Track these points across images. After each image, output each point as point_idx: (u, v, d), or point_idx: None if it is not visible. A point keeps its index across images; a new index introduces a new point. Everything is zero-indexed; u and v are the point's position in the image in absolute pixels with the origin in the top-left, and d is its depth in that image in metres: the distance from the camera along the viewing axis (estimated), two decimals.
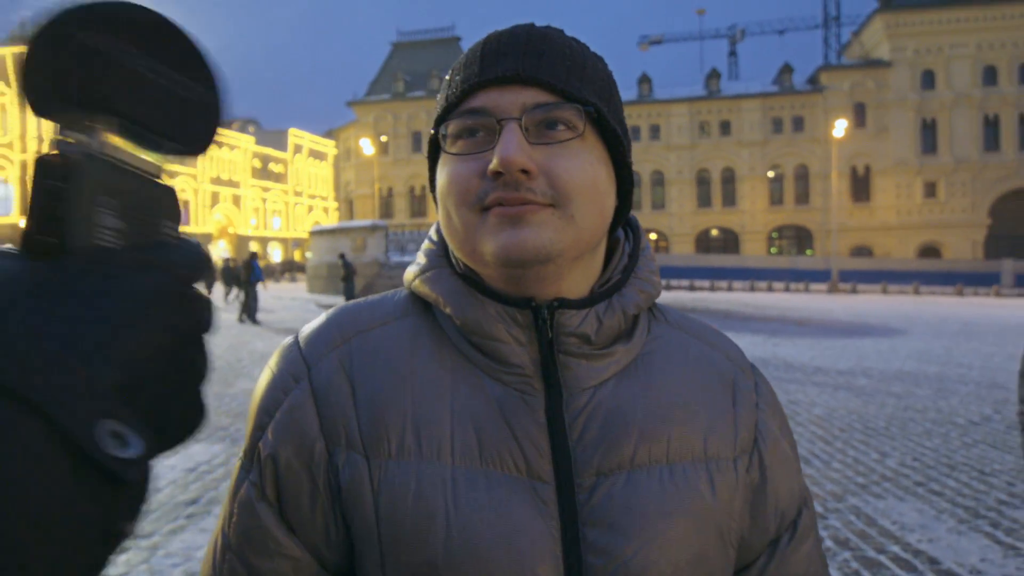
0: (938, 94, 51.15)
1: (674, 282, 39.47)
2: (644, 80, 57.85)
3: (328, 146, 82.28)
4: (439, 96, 0.71)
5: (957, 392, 8.77)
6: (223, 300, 21.53)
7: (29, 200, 0.33)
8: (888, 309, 24.54)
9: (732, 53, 69.51)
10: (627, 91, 58.11)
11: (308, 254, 30.49)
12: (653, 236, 57.22)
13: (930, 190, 51.54)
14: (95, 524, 0.29)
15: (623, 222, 0.76)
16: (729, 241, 55.82)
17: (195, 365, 0.36)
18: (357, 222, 30.66)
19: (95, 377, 0.30)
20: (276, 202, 76.59)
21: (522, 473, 0.65)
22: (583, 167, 0.64)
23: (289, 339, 0.73)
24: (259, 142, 75.10)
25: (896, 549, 3.87)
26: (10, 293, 0.30)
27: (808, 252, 53.54)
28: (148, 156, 0.37)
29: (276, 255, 72.89)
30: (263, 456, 0.66)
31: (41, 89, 0.35)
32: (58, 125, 0.35)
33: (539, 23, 0.69)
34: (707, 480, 0.69)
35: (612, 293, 0.70)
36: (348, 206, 64.12)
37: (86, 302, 0.31)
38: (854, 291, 36.25)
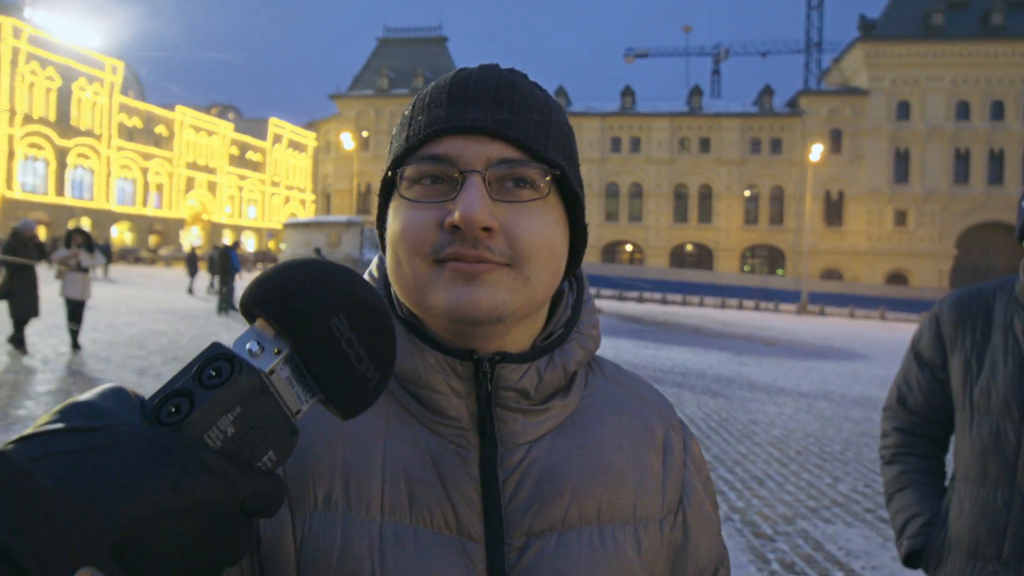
0: (912, 125, 52.22)
1: (647, 295, 39.74)
2: (628, 92, 58.29)
3: (308, 138, 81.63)
4: (396, 132, 0.69)
5: None
6: (207, 289, 20.73)
7: (184, 378, 0.38)
8: (854, 333, 24.94)
9: (715, 71, 70.32)
10: (610, 102, 58.51)
11: (282, 246, 30.20)
12: (629, 248, 57.66)
13: (900, 218, 52.57)
14: None
15: (570, 276, 0.75)
16: (703, 257, 56.39)
17: (222, 551, 0.37)
18: (333, 217, 30.47)
19: (90, 530, 0.31)
20: (252, 191, 75.78)
21: (452, 531, 0.63)
22: (542, 229, 0.63)
23: None
24: (238, 129, 74.25)
25: (840, 575, 3.94)
26: (97, 443, 0.33)
27: (779, 272, 54.31)
28: (297, 399, 0.41)
29: (250, 245, 72.08)
30: None
31: (270, 299, 0.40)
32: (258, 327, 0.40)
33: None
34: (634, 542, 0.68)
35: (554, 347, 0.69)
36: (325, 199, 63.68)
37: (129, 465, 0.33)
38: (822, 313, 36.77)
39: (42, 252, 9.92)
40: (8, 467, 0.31)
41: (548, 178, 0.64)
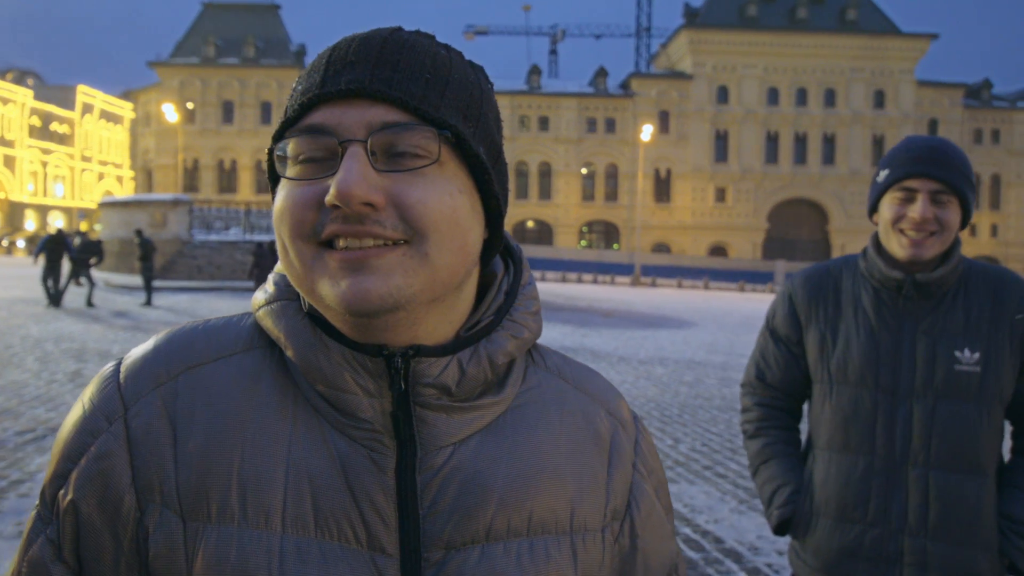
0: (731, 108, 56.34)
1: None
2: None
3: (125, 108, 74.79)
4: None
5: (739, 381, 9.70)
6: (48, 282, 15.39)
7: None
8: (682, 302, 26.72)
9: (553, 51, 71.94)
10: None
11: (97, 227, 27.62)
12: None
13: (720, 195, 56.75)
14: None
15: (495, 254, 0.67)
16: (544, 233, 57.96)
17: None
18: (157, 195, 28.27)
19: None
20: (59, 167, 68.57)
21: (362, 545, 0.58)
22: (440, 197, 0.56)
23: (109, 366, 0.64)
24: (39, 97, 66.66)
25: (687, 531, 4.21)
26: None
27: (615, 247, 56.98)
28: None
29: (59, 225, 65.22)
30: (62, 508, 0.59)
31: None
32: None
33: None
34: (570, 555, 0.62)
35: (480, 338, 0.62)
36: (147, 176, 58.75)
37: None
38: (654, 284, 39.07)
39: None
40: None
41: (439, 141, 0.56)
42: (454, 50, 0.63)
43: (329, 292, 0.55)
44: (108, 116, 74.95)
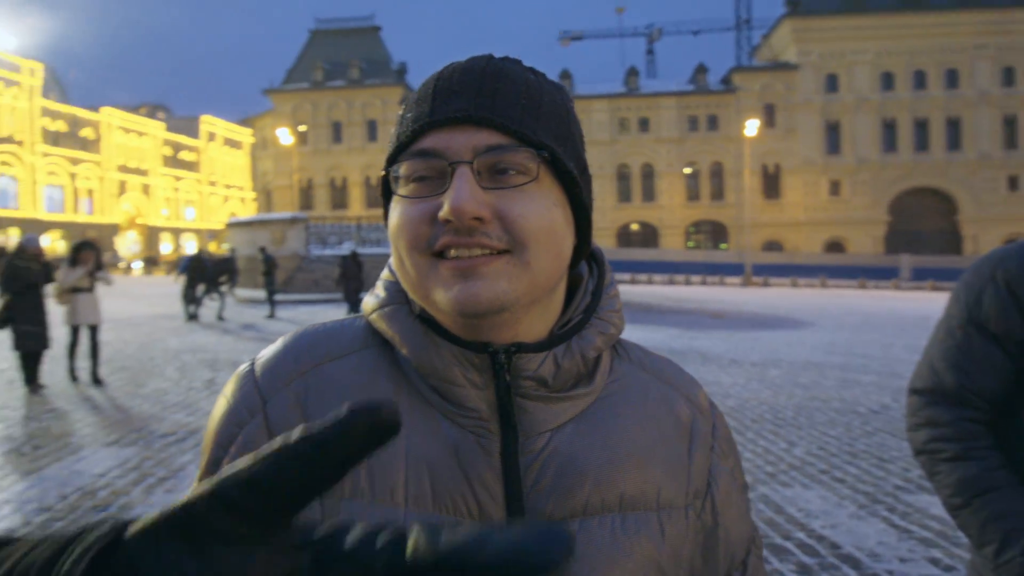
0: (841, 97, 53.78)
1: None
2: (565, 76, 58.48)
3: (244, 134, 79.66)
4: (392, 132, 0.69)
5: (859, 382, 9.28)
6: (190, 300, 16.89)
7: None
8: (797, 302, 25.68)
9: (650, 51, 71.04)
10: None
11: (225, 246, 29.49)
12: None
13: (835, 188, 54.18)
14: None
15: (582, 259, 0.74)
16: (649, 235, 57.19)
17: None
18: (276, 214, 29.88)
19: None
20: (189, 192, 73.73)
21: (474, 519, 0.65)
22: (539, 211, 0.63)
23: (245, 367, 0.71)
24: (170, 129, 72.07)
25: (801, 535, 4.10)
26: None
27: (723, 246, 55.47)
28: None
29: (191, 247, 70.13)
30: None
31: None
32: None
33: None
34: (658, 529, 0.69)
35: (572, 335, 0.69)
36: (266, 197, 62.29)
37: None
38: (766, 284, 37.75)
39: (49, 272, 8.46)
40: None
41: (537, 161, 0.63)
42: (540, 73, 0.69)
43: (443, 297, 0.62)
44: (230, 142, 79.97)
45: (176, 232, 71.00)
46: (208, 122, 76.63)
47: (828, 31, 53.51)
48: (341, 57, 59.56)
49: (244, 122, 75.31)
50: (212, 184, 77.23)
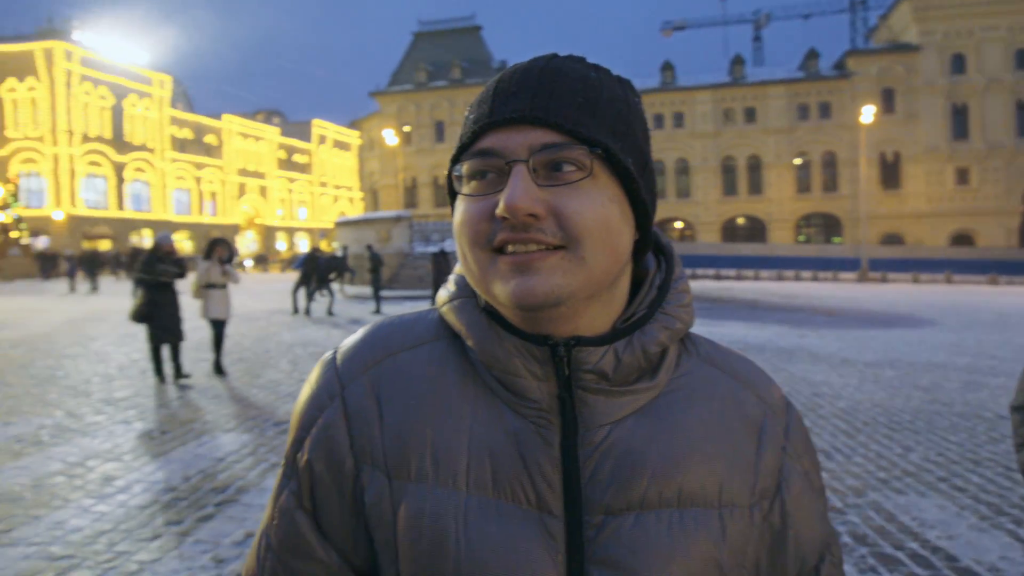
0: (969, 78, 50.08)
1: (700, 271, 39.22)
2: (667, 67, 57.28)
3: (352, 136, 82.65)
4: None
5: (987, 385, 8.65)
6: (303, 296, 18.00)
7: None
8: (919, 299, 24.19)
9: (756, 38, 68.55)
10: (650, 79, 57.56)
11: (334, 244, 30.72)
12: (679, 225, 56.91)
13: (962, 176, 50.57)
14: None
15: (646, 253, 0.74)
16: (756, 229, 55.28)
17: None
18: (382, 213, 30.82)
19: None
20: (302, 192, 77.21)
21: (532, 506, 0.66)
22: (593, 207, 0.64)
23: (328, 355, 0.77)
24: (284, 133, 75.68)
25: (915, 546, 3.87)
26: None
27: (836, 240, 52.89)
28: None
29: (303, 245, 73.50)
30: (300, 467, 0.72)
31: None
32: None
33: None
34: (719, 527, 0.68)
35: (634, 329, 0.69)
36: (373, 196, 64.43)
37: None
38: (884, 280, 35.74)
39: (182, 268, 8.74)
40: None
41: (590, 158, 0.65)
42: (603, 70, 0.70)
43: (502, 290, 0.65)
44: (339, 144, 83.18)
45: (290, 231, 74.53)
46: (319, 126, 79.98)
47: (953, 8, 49.91)
48: (443, 58, 60.72)
49: (352, 124, 78.11)
50: (323, 185, 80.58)
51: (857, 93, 50.99)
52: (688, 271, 36.46)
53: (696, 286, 29.72)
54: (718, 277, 37.81)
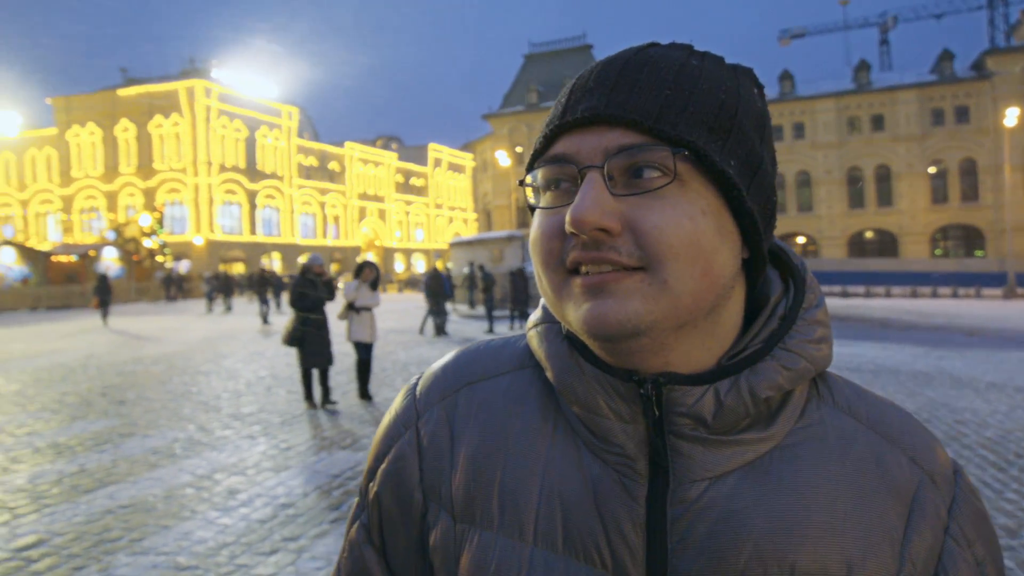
0: None
1: (825, 288, 37.29)
2: (786, 76, 55.24)
3: (466, 159, 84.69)
4: None
5: None
6: (433, 315, 18.24)
7: None
8: None
9: (883, 42, 64.94)
10: (767, 90, 55.35)
11: (449, 265, 31.49)
12: (801, 240, 54.47)
13: None
14: None
15: (760, 275, 0.62)
16: (886, 243, 52.04)
17: None
18: (494, 233, 31.22)
19: None
20: (418, 214, 79.68)
21: (607, 570, 0.57)
22: (678, 221, 0.54)
23: (412, 381, 0.72)
24: (401, 158, 78.55)
25: None
26: None
27: (978, 253, 48.92)
28: None
29: (420, 266, 75.76)
30: (370, 499, 0.68)
31: None
32: None
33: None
34: None
35: (744, 367, 0.58)
36: (486, 217, 65.56)
37: None
38: None
39: (332, 291, 8.63)
40: None
41: (676, 160, 0.54)
42: (712, 57, 0.60)
43: (573, 316, 0.56)
44: (453, 167, 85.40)
45: (407, 252, 77.00)
46: (435, 149, 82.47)
47: None
48: (554, 78, 61.24)
49: (466, 147, 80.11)
50: (438, 207, 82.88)
51: (998, 95, 47.15)
52: None
53: None
54: (845, 294, 35.79)
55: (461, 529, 0.62)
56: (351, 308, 8.66)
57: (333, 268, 59.78)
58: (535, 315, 0.68)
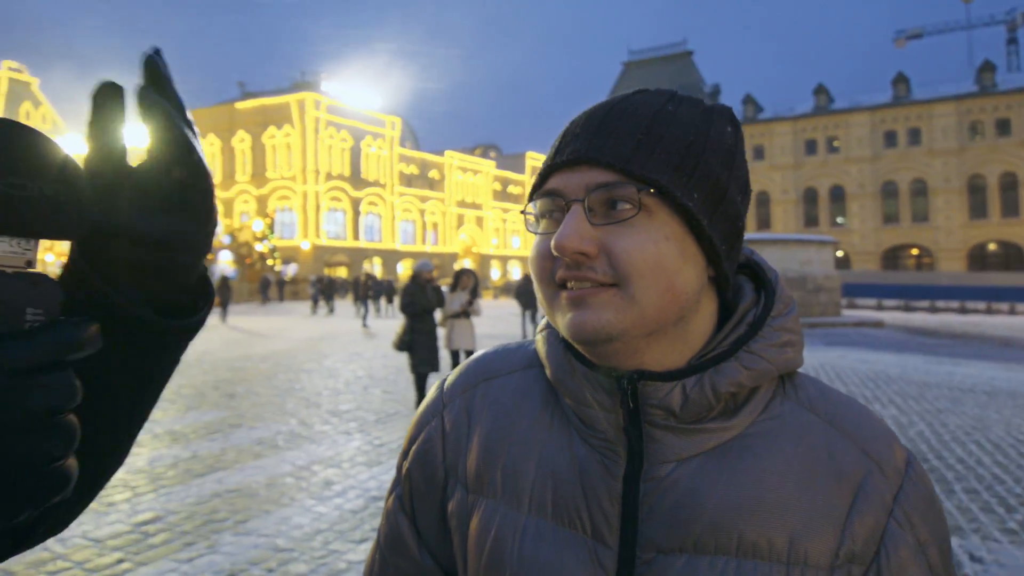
0: None
1: (940, 303, 35.03)
2: (900, 80, 52.60)
3: None
4: None
5: None
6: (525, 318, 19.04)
7: None
8: None
9: (1011, 41, 60.72)
10: (880, 93, 53.15)
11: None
12: (914, 252, 51.62)
13: None
14: None
15: (726, 289, 0.72)
16: (1011, 256, 48.58)
17: (33, 449, 0.37)
18: None
19: None
20: (515, 222, 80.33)
21: (588, 535, 0.68)
22: (643, 246, 0.64)
23: (442, 378, 0.86)
24: (499, 166, 79.49)
25: None
26: None
27: None
28: (16, 255, 0.39)
29: (515, 273, 76.42)
30: (403, 475, 0.81)
31: None
32: None
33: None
34: None
35: (708, 367, 0.67)
36: None
37: None
38: None
39: (441, 297, 8.50)
40: None
41: (643, 195, 0.64)
42: (688, 102, 0.70)
43: (561, 323, 0.67)
44: None
45: (503, 259, 77.87)
46: (532, 158, 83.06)
47: None
48: (653, 85, 59.78)
49: None
50: None
51: None
52: (925, 303, 32.91)
53: (935, 320, 26.65)
54: (963, 310, 33.52)
55: (472, 499, 0.74)
56: (452, 316, 8.68)
57: (434, 273, 61.12)
58: (542, 321, 0.79)
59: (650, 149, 0.65)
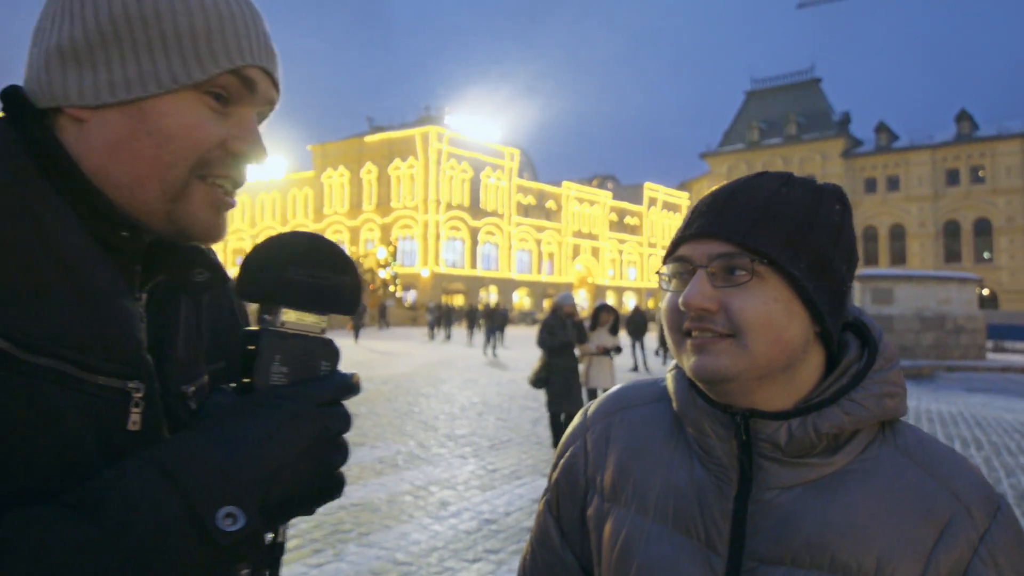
0: None
1: (1008, 344, 30.98)
2: (963, 117, 48.67)
3: (681, 198, 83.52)
4: None
5: None
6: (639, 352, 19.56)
7: (240, 359, 0.64)
8: None
9: None
10: (945, 131, 49.37)
11: (661, 304, 31.42)
12: (984, 292, 47.24)
13: None
14: (205, 569, 0.55)
15: (832, 343, 0.83)
16: None
17: (330, 458, 0.64)
18: None
19: (232, 473, 0.57)
20: (631, 253, 79.74)
21: (701, 541, 0.81)
22: (756, 305, 0.77)
23: (587, 405, 1.01)
24: (616, 197, 79.25)
25: None
26: (216, 412, 0.61)
27: None
28: (312, 320, 0.65)
29: (631, 304, 75.65)
30: (552, 483, 0.98)
31: (248, 291, 0.64)
32: (259, 309, 0.65)
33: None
34: None
35: (812, 411, 0.78)
36: None
37: (248, 420, 0.60)
38: None
39: (582, 333, 8.05)
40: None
41: (757, 264, 0.77)
42: (800, 183, 0.83)
43: (686, 365, 0.81)
44: (668, 206, 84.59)
45: (619, 290, 77.32)
46: (650, 188, 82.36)
47: None
48: (777, 114, 59.00)
49: (681, 186, 79.12)
50: (652, 246, 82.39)
51: None
52: (990, 343, 28.96)
53: (1000, 361, 24.06)
54: None
55: (607, 507, 0.88)
56: (603, 353, 8.28)
57: (545, 304, 61.67)
58: (671, 363, 0.93)
59: (765, 226, 0.78)
